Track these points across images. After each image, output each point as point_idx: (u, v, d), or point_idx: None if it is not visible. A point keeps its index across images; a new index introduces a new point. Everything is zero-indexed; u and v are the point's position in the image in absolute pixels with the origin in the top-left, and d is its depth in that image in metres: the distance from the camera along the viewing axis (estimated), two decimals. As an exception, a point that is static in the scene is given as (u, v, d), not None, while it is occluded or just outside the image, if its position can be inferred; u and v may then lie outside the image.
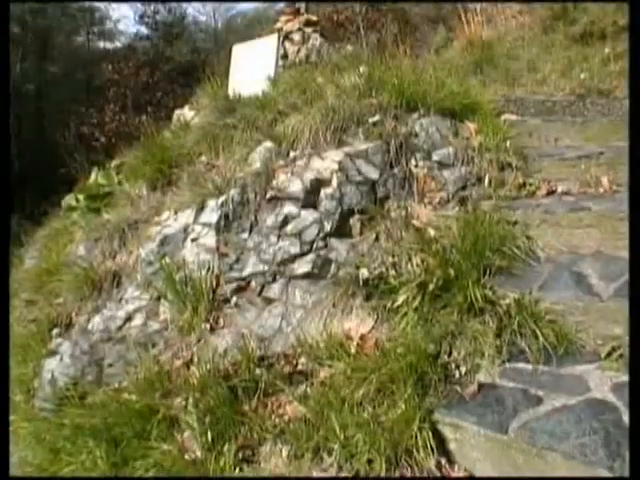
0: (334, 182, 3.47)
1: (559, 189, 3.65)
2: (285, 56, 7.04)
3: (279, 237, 3.35)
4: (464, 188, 3.68)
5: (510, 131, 4.19)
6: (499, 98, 5.88)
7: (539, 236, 3.05)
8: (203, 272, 3.42)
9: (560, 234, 3.04)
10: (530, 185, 3.70)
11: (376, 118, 3.85)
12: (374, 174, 3.57)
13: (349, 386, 2.48)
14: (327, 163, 3.56)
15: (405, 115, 3.96)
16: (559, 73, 7.03)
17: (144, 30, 24.94)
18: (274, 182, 3.55)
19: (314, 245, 3.28)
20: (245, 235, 3.49)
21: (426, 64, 6.94)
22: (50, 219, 6.44)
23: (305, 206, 3.41)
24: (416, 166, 3.73)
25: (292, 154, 3.78)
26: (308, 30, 7.33)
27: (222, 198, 3.61)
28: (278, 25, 7.42)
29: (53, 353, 3.66)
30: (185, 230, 3.69)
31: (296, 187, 3.44)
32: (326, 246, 3.29)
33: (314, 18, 7.52)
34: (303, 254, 3.27)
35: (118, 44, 26.82)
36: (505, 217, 3.18)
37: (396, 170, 3.65)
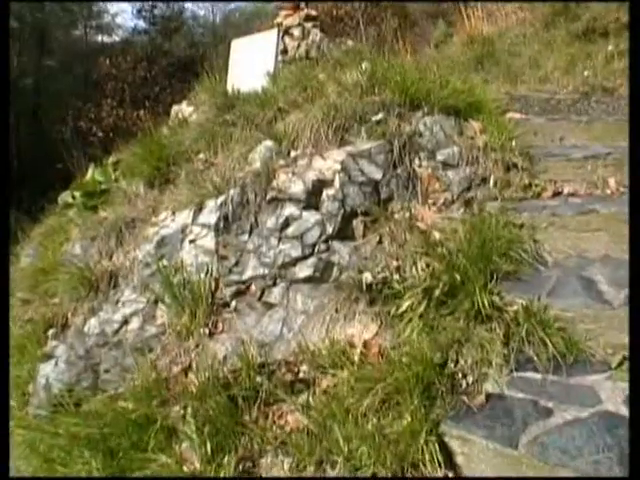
0: (336, 183, 3.38)
1: (565, 190, 3.59)
2: (285, 51, 6.98)
3: (280, 239, 3.27)
4: (469, 189, 3.59)
5: (515, 130, 4.10)
6: (502, 96, 5.78)
7: (546, 239, 2.99)
8: (202, 275, 3.34)
9: (567, 237, 2.98)
10: (536, 186, 3.62)
11: (379, 116, 3.76)
12: (377, 174, 3.48)
13: (353, 396, 2.41)
14: (329, 163, 3.47)
15: (409, 113, 3.86)
16: (562, 70, 6.95)
17: (142, 24, 24.99)
18: (275, 182, 3.46)
19: (316, 248, 3.20)
20: (245, 237, 3.41)
21: (427, 60, 6.88)
22: (47, 216, 6.36)
23: (306, 207, 3.32)
24: (420, 166, 3.64)
25: (293, 153, 3.69)
26: (308, 25, 7.26)
27: (221, 198, 3.52)
28: (278, 20, 7.37)
29: (48, 357, 3.58)
30: (183, 231, 3.59)
31: (297, 188, 3.35)
32: (328, 249, 3.20)
33: (314, 13, 7.45)
34: (304, 257, 3.19)
35: (116, 38, 26.85)
36: (512, 219, 3.10)
37: (400, 170, 3.56)
